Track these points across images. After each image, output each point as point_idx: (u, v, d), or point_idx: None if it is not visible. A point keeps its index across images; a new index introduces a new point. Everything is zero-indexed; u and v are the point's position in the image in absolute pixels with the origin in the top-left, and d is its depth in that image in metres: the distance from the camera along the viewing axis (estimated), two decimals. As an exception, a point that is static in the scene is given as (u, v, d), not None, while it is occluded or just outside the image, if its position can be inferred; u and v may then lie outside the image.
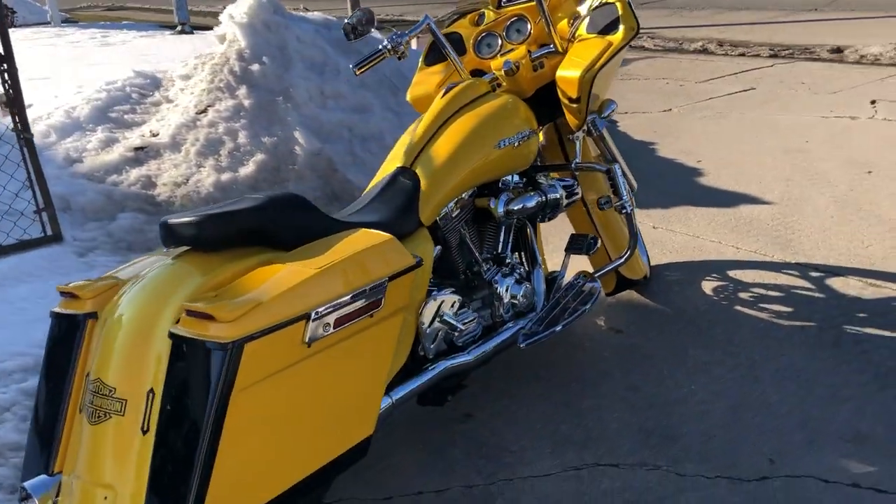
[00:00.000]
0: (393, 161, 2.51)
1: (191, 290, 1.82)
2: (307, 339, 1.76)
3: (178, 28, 11.03)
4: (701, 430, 2.45)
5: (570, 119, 2.73)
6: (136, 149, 4.62)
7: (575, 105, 2.67)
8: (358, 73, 2.76)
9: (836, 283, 3.28)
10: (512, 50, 2.84)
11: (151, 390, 1.71)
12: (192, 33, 10.67)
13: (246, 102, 4.66)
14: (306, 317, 1.75)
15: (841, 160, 4.73)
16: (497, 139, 2.53)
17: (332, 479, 1.97)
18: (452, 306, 2.35)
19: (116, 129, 4.86)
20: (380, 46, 2.71)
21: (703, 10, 11.88)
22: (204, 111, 4.66)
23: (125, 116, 4.97)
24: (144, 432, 1.70)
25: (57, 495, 1.84)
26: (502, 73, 2.78)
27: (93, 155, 4.65)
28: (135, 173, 4.48)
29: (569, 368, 2.83)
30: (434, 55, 3.03)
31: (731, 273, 3.44)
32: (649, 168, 4.85)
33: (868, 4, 10.86)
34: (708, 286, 3.35)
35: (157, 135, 4.69)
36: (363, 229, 2.05)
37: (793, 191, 4.32)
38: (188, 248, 1.95)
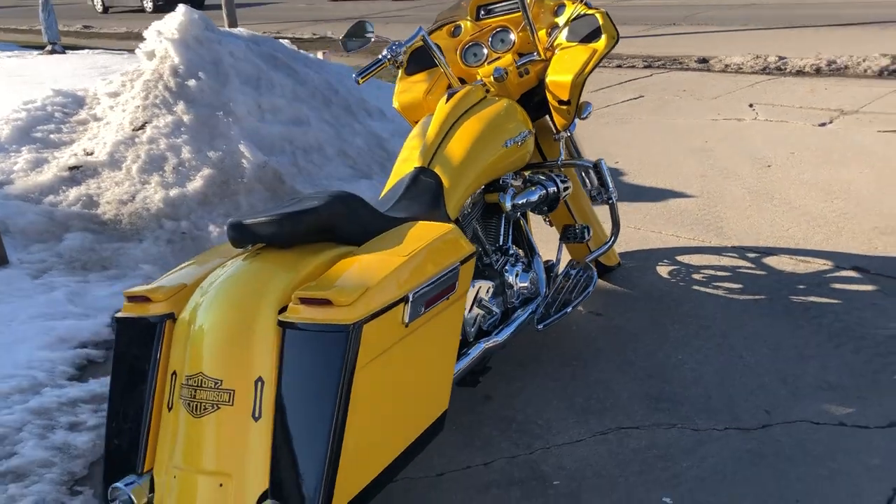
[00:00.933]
0: (408, 162, 2.66)
1: (284, 282, 1.92)
2: (406, 320, 1.91)
3: (49, 48, 10.55)
4: (699, 392, 2.75)
5: (559, 120, 2.98)
6: (72, 168, 4.50)
7: (565, 107, 2.92)
8: (360, 82, 2.89)
9: (771, 261, 3.70)
10: (498, 58, 3.07)
11: (260, 378, 1.81)
12: (63, 52, 10.25)
13: (185, 118, 4.64)
14: (405, 299, 1.90)
15: (741, 157, 5.26)
16: (504, 139, 2.74)
17: (416, 456, 2.10)
18: (488, 292, 2.54)
19: (44, 150, 4.71)
20: (380, 56, 2.86)
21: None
22: (141, 128, 4.61)
23: (51, 136, 4.81)
24: (257, 419, 1.79)
25: (150, 492, 1.89)
26: (491, 79, 3.00)
27: (23, 176, 4.50)
28: (74, 193, 4.37)
29: (565, 350, 3.07)
30: (415, 65, 3.21)
31: (680, 258, 3.80)
32: (575, 170, 5.20)
33: (718, 20, 11.91)
34: (663, 270, 3.69)
35: (92, 153, 4.59)
36: (421, 221, 2.21)
37: (710, 185, 4.78)
38: (262, 245, 2.05)
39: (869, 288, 3.36)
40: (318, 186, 4.63)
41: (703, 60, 8.83)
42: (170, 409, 1.91)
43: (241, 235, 2.05)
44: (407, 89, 3.20)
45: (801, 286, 3.44)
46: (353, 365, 1.76)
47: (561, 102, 2.92)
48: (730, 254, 3.81)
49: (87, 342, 3.25)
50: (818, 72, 7.79)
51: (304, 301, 1.81)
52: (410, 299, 1.91)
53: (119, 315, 2.07)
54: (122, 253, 4.02)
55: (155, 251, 4.03)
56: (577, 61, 2.88)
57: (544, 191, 2.89)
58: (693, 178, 4.91)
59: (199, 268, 2.15)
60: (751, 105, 6.61)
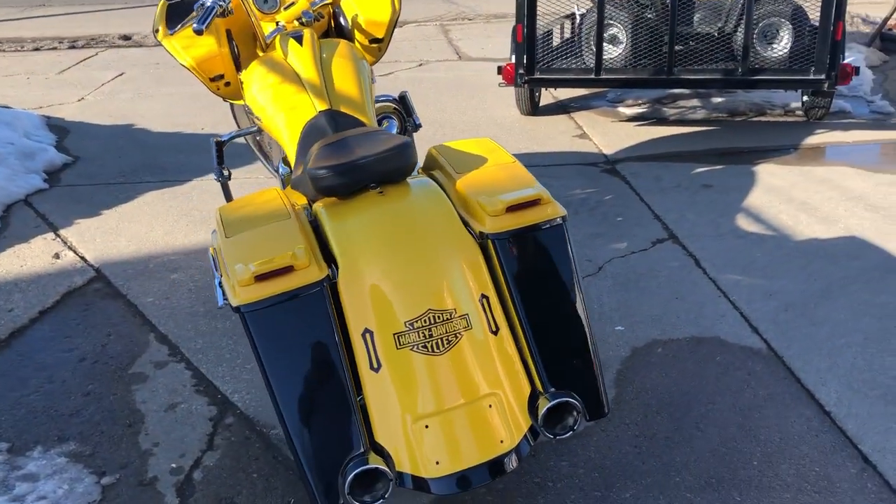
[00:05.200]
0: (302, 109, 2.54)
1: (446, 204, 1.94)
2: None
3: None
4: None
5: (369, 58, 3.08)
6: None
7: (376, 45, 3.06)
8: (205, 30, 2.57)
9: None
10: (293, 3, 2.99)
11: (483, 295, 1.83)
12: None
13: None
14: None
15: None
16: (368, 75, 2.80)
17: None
18: None
19: None
20: (208, 5, 2.61)
21: None
22: None
23: None
24: (495, 332, 1.82)
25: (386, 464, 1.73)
26: (296, 24, 2.93)
27: None
28: None
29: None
30: (178, 18, 2.91)
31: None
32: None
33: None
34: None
35: None
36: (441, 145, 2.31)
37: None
38: (375, 186, 1.97)
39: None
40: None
41: (127, 37, 8.66)
42: (377, 370, 1.75)
43: (351, 178, 1.96)
44: (192, 44, 2.87)
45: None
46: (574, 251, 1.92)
47: (373, 41, 3.04)
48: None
49: None
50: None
51: (513, 208, 1.87)
52: None
53: (249, 301, 1.71)
54: None
55: None
56: (381, 2, 3.03)
57: (397, 123, 3.01)
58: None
59: (288, 225, 1.91)
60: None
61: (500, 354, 1.81)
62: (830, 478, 2.12)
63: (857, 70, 4.50)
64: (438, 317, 1.77)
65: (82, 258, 3.46)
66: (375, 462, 1.71)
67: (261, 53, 3.00)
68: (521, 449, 1.79)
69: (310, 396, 1.74)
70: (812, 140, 4.70)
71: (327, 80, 2.61)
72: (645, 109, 5.38)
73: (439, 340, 1.76)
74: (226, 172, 2.99)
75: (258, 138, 3.44)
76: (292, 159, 2.50)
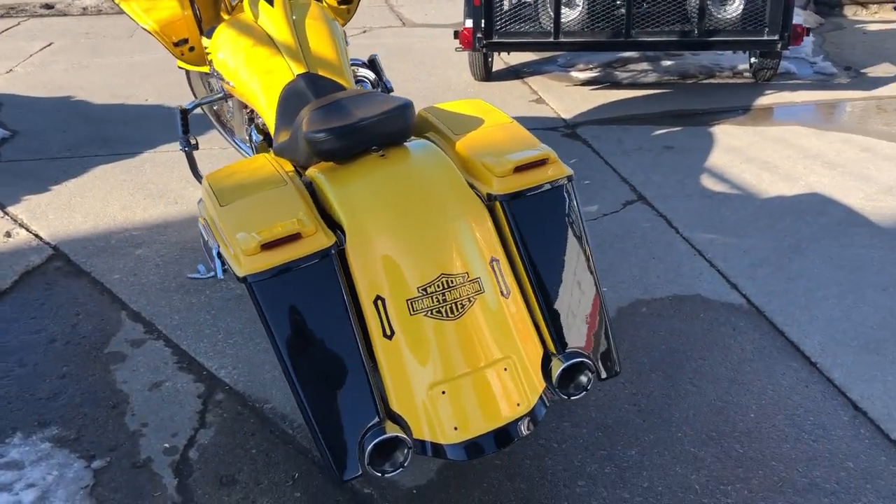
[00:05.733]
0: (279, 73, 2.46)
1: (451, 166, 1.89)
2: None
3: None
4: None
5: (340, 21, 2.99)
6: None
7: (345, 7, 2.96)
8: None
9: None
10: None
11: (493, 258, 1.80)
12: None
13: None
14: None
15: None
16: (342, 36, 2.72)
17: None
18: None
19: None
20: None
21: None
22: None
23: None
24: (506, 295, 1.80)
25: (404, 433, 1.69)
26: None
27: None
28: None
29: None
30: None
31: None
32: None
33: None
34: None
35: None
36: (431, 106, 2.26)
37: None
38: (378, 148, 1.91)
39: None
40: None
41: (49, 6, 8.24)
42: (390, 337, 1.71)
43: (353, 141, 1.90)
44: (154, 6, 2.76)
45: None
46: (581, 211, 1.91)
47: (342, 2, 2.95)
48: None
49: None
50: None
51: (521, 168, 1.84)
52: None
53: (257, 271, 1.65)
54: None
55: None
56: None
57: (370, 87, 2.94)
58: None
59: (286, 191, 1.86)
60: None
61: (512, 317, 1.79)
62: (825, 426, 2.17)
63: (808, 31, 4.59)
64: (451, 281, 1.74)
65: (36, 236, 3.29)
66: (393, 430, 1.67)
67: (226, 17, 2.89)
68: (536, 412, 1.78)
69: (323, 367, 1.69)
70: (762, 101, 4.79)
71: (302, 42, 2.53)
72: (598, 74, 5.39)
73: (453, 305, 1.73)
74: (193, 141, 2.88)
75: (216, 108, 3.32)
76: (270, 125, 2.41)
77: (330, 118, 1.93)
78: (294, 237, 1.69)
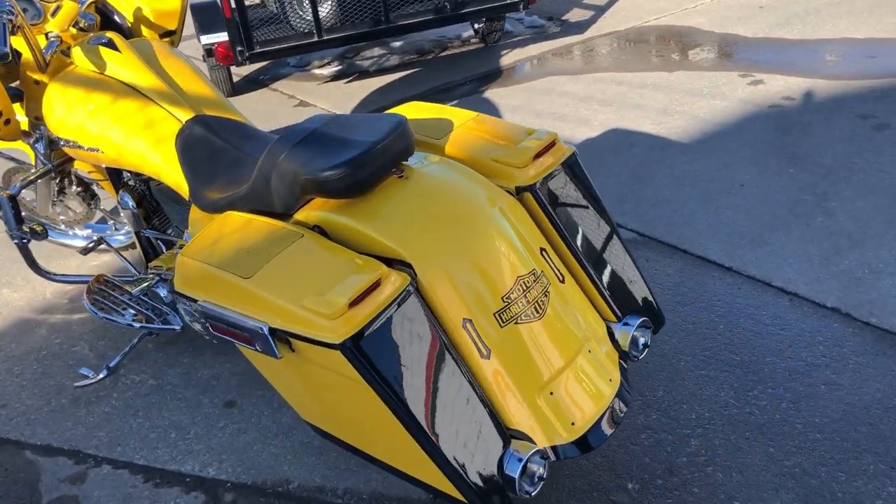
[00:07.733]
0: (161, 124, 2.17)
1: (470, 170, 1.86)
2: None
3: None
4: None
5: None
6: None
7: (168, 39, 2.64)
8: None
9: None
10: (59, 7, 2.43)
11: (541, 249, 1.83)
12: None
13: None
14: None
15: None
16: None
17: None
18: None
19: None
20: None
21: None
22: None
23: None
24: (562, 280, 1.84)
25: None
26: (75, 30, 2.43)
27: None
28: None
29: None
30: None
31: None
32: None
33: None
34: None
35: None
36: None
37: None
38: (399, 171, 1.80)
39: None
40: None
41: None
42: (487, 356, 1.67)
43: (373, 169, 1.73)
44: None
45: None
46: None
47: (164, 34, 2.63)
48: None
49: None
50: None
51: (538, 154, 1.86)
52: None
53: (355, 332, 1.49)
54: None
55: None
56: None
57: None
58: None
59: (310, 241, 1.69)
60: None
61: (575, 299, 1.82)
62: (779, 315, 2.47)
63: (527, -13, 4.95)
64: (526, 282, 1.71)
65: None
66: (527, 450, 1.61)
67: (40, 76, 2.45)
68: (622, 383, 1.81)
69: (443, 405, 1.56)
70: (507, 61, 5.12)
71: (172, 85, 2.25)
72: (340, 67, 5.35)
73: (536, 304, 1.71)
74: (34, 230, 2.43)
75: (53, 179, 2.82)
76: (174, 183, 2.11)
77: (329, 152, 1.73)
78: (375, 285, 1.53)
